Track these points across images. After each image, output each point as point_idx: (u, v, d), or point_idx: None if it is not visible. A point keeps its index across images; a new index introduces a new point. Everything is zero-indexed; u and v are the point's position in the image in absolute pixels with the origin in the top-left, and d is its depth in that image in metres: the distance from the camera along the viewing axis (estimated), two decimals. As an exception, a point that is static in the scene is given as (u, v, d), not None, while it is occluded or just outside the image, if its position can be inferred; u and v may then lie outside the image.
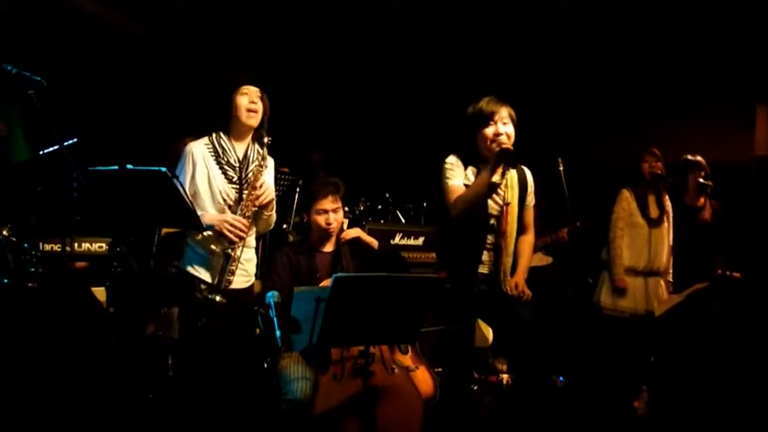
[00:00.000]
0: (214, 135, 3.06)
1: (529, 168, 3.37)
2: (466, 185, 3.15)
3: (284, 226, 4.90)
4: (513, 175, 3.22)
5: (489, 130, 3.14)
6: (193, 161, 2.99)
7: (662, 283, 4.24)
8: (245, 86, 3.02)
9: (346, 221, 3.47)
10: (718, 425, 3.63)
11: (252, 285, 3.16)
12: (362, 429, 2.81)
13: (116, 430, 3.17)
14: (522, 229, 3.28)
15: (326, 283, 2.87)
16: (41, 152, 3.80)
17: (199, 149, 3.01)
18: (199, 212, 2.91)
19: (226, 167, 3.01)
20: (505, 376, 4.58)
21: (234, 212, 2.99)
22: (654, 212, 4.25)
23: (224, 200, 3.01)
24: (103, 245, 3.91)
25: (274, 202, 3.14)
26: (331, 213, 3.30)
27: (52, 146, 3.68)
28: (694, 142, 4.96)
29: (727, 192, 4.53)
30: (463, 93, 3.36)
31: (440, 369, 3.43)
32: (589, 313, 4.35)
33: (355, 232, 3.47)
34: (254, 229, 3.12)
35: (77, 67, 5.06)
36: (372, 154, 6.40)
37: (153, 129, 5.00)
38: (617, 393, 4.09)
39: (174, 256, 3.20)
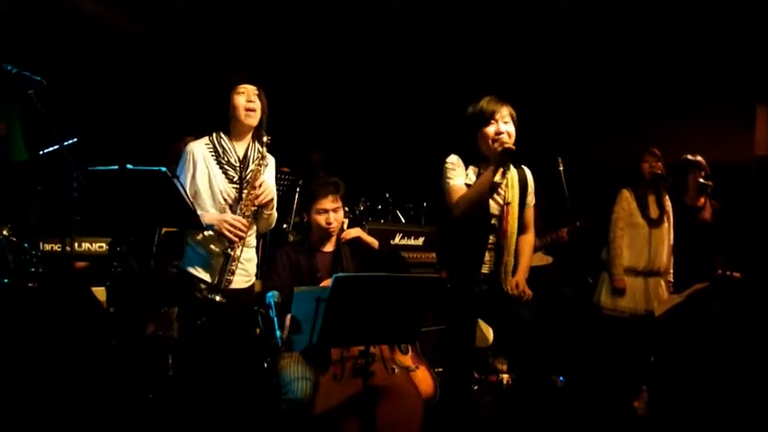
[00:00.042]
0: (214, 135, 3.06)
1: (529, 168, 3.37)
2: (467, 185, 3.15)
3: (284, 226, 4.90)
4: (513, 174, 3.22)
5: (490, 129, 3.14)
6: (194, 161, 2.99)
7: (662, 283, 4.24)
8: (241, 86, 3.02)
9: (346, 221, 3.46)
10: (718, 425, 3.63)
11: (252, 285, 3.16)
12: (362, 429, 2.81)
13: (116, 430, 3.17)
14: (522, 229, 3.28)
15: (327, 282, 2.86)
16: (41, 152, 3.81)
17: (199, 149, 3.01)
18: (198, 212, 2.91)
19: (226, 167, 3.01)
20: (505, 376, 4.58)
21: (234, 212, 2.99)
22: (654, 212, 4.25)
23: (224, 200, 3.01)
24: (103, 245, 3.92)
25: (275, 201, 3.14)
26: (331, 213, 3.30)
27: (52, 146, 3.69)
28: (694, 142, 4.96)
29: (727, 192, 4.53)
30: (463, 93, 3.35)
31: (440, 369, 3.43)
32: (589, 313, 4.35)
33: (355, 232, 3.47)
34: (255, 229, 3.12)
35: (77, 67, 5.07)
36: (372, 154, 6.40)
37: (153, 129, 5.01)
38: (617, 393, 4.09)
39: (174, 256, 3.21)
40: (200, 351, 2.96)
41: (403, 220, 5.58)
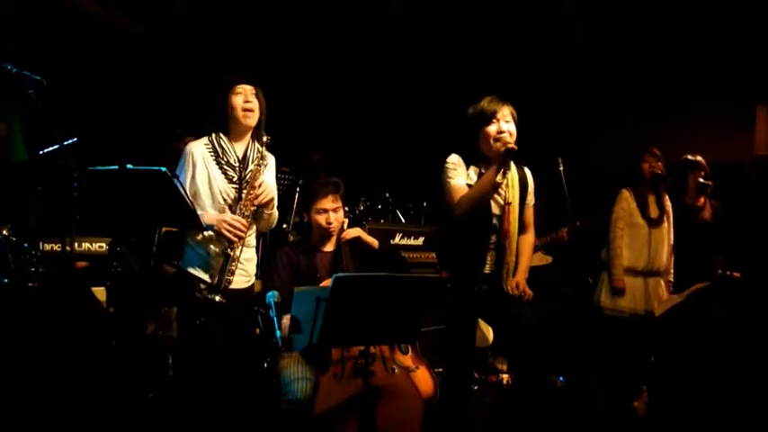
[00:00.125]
0: (214, 135, 3.06)
1: (529, 168, 3.37)
2: (468, 185, 3.15)
3: (284, 226, 4.90)
4: (513, 174, 3.22)
5: (492, 129, 3.14)
6: (193, 161, 2.99)
7: (662, 283, 4.24)
8: (239, 86, 3.02)
9: (346, 221, 3.46)
10: (718, 425, 3.63)
11: (252, 285, 3.16)
12: (362, 429, 2.81)
13: (116, 430, 3.17)
14: (522, 229, 3.28)
15: (327, 282, 2.86)
16: (41, 152, 3.80)
17: (199, 150, 3.01)
18: (198, 212, 2.91)
19: (226, 167, 3.01)
20: (505, 376, 4.58)
21: (234, 212, 2.99)
22: (654, 212, 4.25)
23: (224, 200, 3.01)
24: (103, 245, 3.92)
25: (275, 201, 3.13)
26: (331, 213, 3.30)
27: (52, 146, 3.68)
28: (694, 142, 4.96)
29: (727, 192, 4.53)
30: (464, 93, 3.35)
31: (440, 369, 3.43)
32: (589, 313, 4.35)
33: (355, 232, 3.47)
34: (254, 229, 3.12)
35: (77, 67, 5.07)
36: (372, 154, 6.40)
37: (153, 129, 5.00)
38: (617, 393, 4.09)
39: (174, 256, 3.20)
40: (200, 351, 2.96)
41: (403, 220, 5.58)
